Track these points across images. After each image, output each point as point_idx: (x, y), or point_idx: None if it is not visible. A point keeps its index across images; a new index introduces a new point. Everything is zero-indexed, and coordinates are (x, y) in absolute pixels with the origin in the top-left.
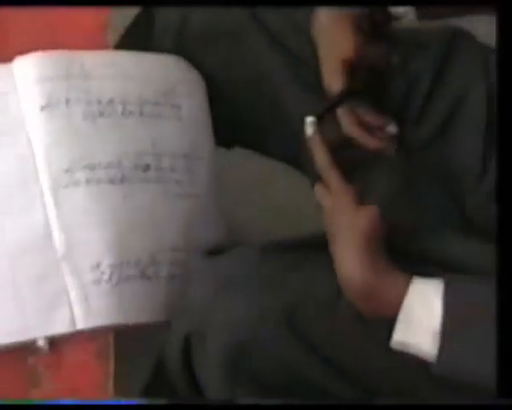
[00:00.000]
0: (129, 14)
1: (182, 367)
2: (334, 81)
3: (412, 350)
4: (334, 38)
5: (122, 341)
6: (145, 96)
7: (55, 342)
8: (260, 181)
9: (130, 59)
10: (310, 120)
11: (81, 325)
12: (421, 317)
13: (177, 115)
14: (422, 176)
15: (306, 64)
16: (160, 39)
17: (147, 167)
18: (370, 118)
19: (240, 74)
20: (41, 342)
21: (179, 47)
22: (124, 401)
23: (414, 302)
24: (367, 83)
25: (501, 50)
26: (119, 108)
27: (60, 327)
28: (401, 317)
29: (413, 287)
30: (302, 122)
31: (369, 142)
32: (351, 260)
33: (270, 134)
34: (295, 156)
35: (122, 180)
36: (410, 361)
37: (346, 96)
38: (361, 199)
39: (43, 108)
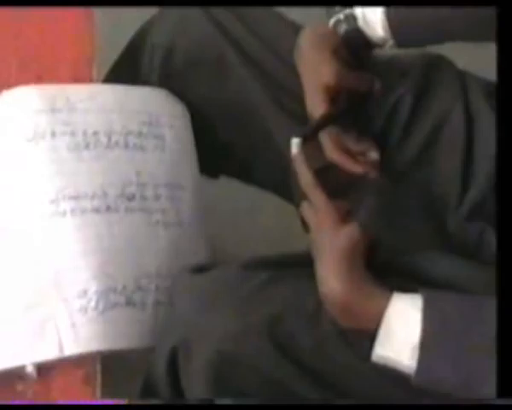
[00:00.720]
0: (114, 49)
1: (168, 380)
2: (316, 107)
3: (392, 363)
4: (314, 64)
5: (109, 367)
6: (129, 128)
7: (43, 368)
8: (247, 209)
9: (115, 92)
10: (295, 140)
11: (69, 351)
12: (400, 331)
13: (160, 146)
14: (405, 195)
15: (291, 93)
16: (147, 73)
17: (131, 197)
18: (352, 144)
19: (225, 104)
20: (29, 369)
21: (165, 80)
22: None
23: (393, 317)
24: (349, 107)
25: (501, 50)
26: (104, 140)
27: (48, 353)
28: (381, 331)
29: (392, 302)
30: (288, 150)
31: (352, 166)
32: (331, 275)
33: (255, 163)
34: (281, 185)
35: (107, 210)
36: (391, 374)
37: (330, 119)
38: (344, 217)
39: (29, 141)
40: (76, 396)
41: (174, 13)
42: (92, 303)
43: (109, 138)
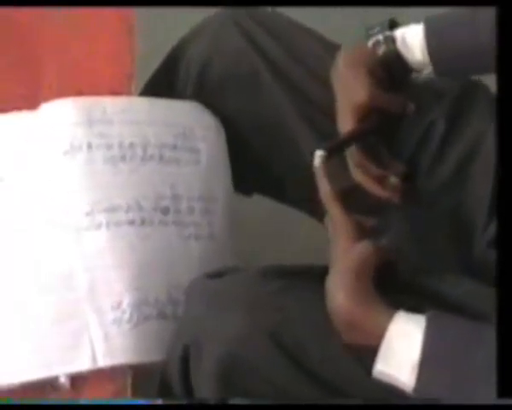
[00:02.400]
0: (154, 65)
1: (180, 378)
2: (346, 124)
3: (392, 380)
4: (349, 83)
5: (139, 382)
6: (164, 141)
7: (75, 381)
8: (278, 228)
9: (150, 104)
10: (319, 153)
11: (102, 362)
12: (401, 349)
13: (195, 159)
14: (432, 218)
15: (322, 110)
16: (182, 87)
17: (166, 210)
18: (377, 167)
19: (258, 120)
20: (62, 379)
21: (200, 94)
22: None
23: (395, 335)
24: (379, 127)
25: (501, 50)
26: (140, 153)
27: (81, 364)
28: (382, 348)
29: (395, 320)
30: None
31: (374, 189)
32: (337, 289)
33: (287, 182)
34: (310, 203)
35: (141, 222)
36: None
37: (357, 136)
38: (359, 233)
39: (65, 153)
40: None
41: (210, 29)
42: (126, 315)
43: (145, 151)
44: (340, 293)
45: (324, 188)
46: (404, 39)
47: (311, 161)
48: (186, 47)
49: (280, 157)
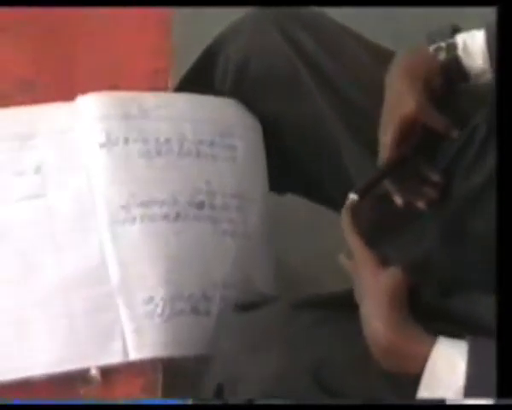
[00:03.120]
0: (191, 60)
1: None
2: (387, 134)
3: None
4: (401, 91)
5: (170, 377)
6: (201, 137)
7: (105, 375)
8: (310, 227)
9: (187, 100)
10: (352, 196)
11: (133, 356)
12: (444, 377)
13: (232, 156)
14: (457, 234)
15: (362, 114)
16: (219, 84)
17: (201, 205)
18: (412, 187)
19: (296, 121)
20: (94, 372)
21: (237, 92)
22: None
23: (438, 362)
24: (418, 148)
25: (501, 50)
26: (176, 148)
27: (113, 357)
28: (425, 375)
29: (437, 346)
30: (355, 173)
31: (412, 205)
32: (374, 317)
33: (323, 182)
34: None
35: (176, 217)
36: None
37: (391, 169)
38: (384, 262)
39: (102, 146)
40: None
41: (248, 26)
42: (158, 310)
43: (181, 146)
44: (376, 321)
45: (347, 226)
46: (465, 46)
47: (354, 171)
48: (224, 44)
49: (319, 158)
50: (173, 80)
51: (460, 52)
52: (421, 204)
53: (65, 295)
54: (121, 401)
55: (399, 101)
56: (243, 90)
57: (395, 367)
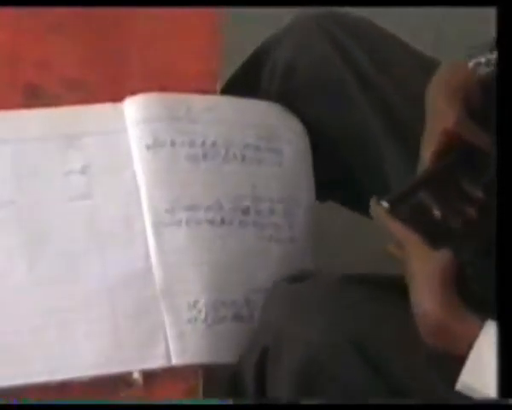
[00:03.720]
0: (238, 62)
1: (254, 379)
2: (429, 149)
3: (477, 395)
4: (442, 106)
5: (211, 381)
6: (247, 141)
7: (146, 378)
8: (351, 235)
9: (234, 104)
10: (383, 204)
11: (176, 361)
12: (490, 362)
13: (277, 161)
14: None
15: (407, 125)
16: (266, 88)
17: (246, 210)
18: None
19: (340, 129)
20: (136, 375)
21: (283, 97)
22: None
23: (485, 346)
24: (459, 163)
25: (501, 50)
26: (222, 152)
27: (155, 362)
28: (470, 358)
29: (486, 330)
30: (394, 184)
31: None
32: (425, 297)
33: (364, 191)
34: None
35: (221, 222)
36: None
37: (427, 181)
38: (432, 245)
39: (149, 148)
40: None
41: (297, 31)
42: (202, 315)
43: (227, 151)
44: (427, 298)
45: (384, 218)
46: None
47: (393, 181)
48: (271, 49)
49: (362, 167)
50: (222, 83)
51: None
52: (456, 222)
53: (109, 298)
54: (159, 402)
55: (440, 116)
56: (289, 95)
57: (442, 348)
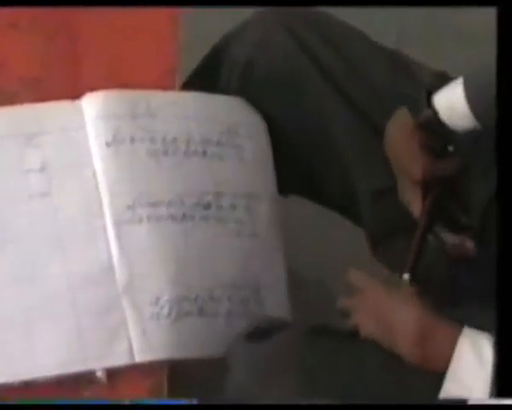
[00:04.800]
0: (199, 59)
1: None
2: (411, 203)
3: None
4: (404, 159)
5: (176, 379)
6: (208, 136)
7: (110, 377)
8: (314, 229)
9: (194, 99)
10: (405, 277)
11: (139, 358)
12: (472, 366)
13: (238, 155)
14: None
15: (369, 117)
16: (225, 85)
17: (208, 206)
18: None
19: (300, 121)
20: (99, 373)
21: (244, 90)
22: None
23: (465, 350)
24: (443, 203)
25: (501, 50)
26: (183, 147)
27: (118, 359)
28: (452, 364)
29: (464, 334)
30: (356, 174)
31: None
32: (406, 303)
33: (325, 183)
34: (347, 207)
35: (183, 218)
36: None
37: (426, 229)
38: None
39: (108, 145)
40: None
41: (255, 25)
42: (165, 311)
43: (188, 146)
44: (412, 303)
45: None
46: (446, 109)
47: (355, 171)
48: (230, 43)
49: (320, 161)
50: (181, 79)
51: (442, 117)
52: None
53: (71, 296)
54: (126, 402)
55: (406, 169)
56: (249, 88)
57: (423, 354)
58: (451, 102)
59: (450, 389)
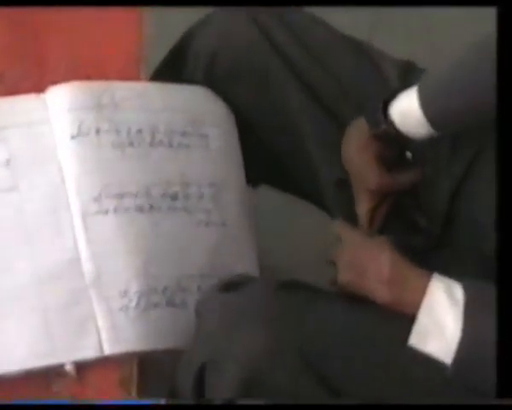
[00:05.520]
0: (163, 50)
1: (195, 395)
2: (363, 208)
3: (430, 347)
4: (360, 169)
5: (145, 370)
6: (173, 127)
7: (79, 370)
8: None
9: (159, 90)
10: None
11: (108, 350)
12: (444, 302)
13: (204, 145)
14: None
15: (332, 106)
16: (190, 76)
17: (175, 196)
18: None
19: (265, 112)
20: (68, 367)
21: (208, 84)
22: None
23: (437, 289)
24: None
25: (501, 50)
26: (148, 138)
27: (87, 352)
28: (425, 303)
29: (435, 278)
30: (321, 163)
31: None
32: (383, 249)
33: (292, 173)
34: (314, 195)
35: (150, 209)
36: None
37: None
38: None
39: (73, 137)
40: (111, 399)
41: (220, 17)
42: (133, 303)
43: (153, 137)
44: (386, 250)
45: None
46: (402, 118)
47: (319, 160)
48: (195, 35)
49: (286, 150)
50: (146, 71)
51: (399, 125)
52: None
53: (38, 290)
54: (95, 402)
55: (362, 179)
56: (214, 79)
57: (395, 299)
58: (406, 111)
59: (424, 323)
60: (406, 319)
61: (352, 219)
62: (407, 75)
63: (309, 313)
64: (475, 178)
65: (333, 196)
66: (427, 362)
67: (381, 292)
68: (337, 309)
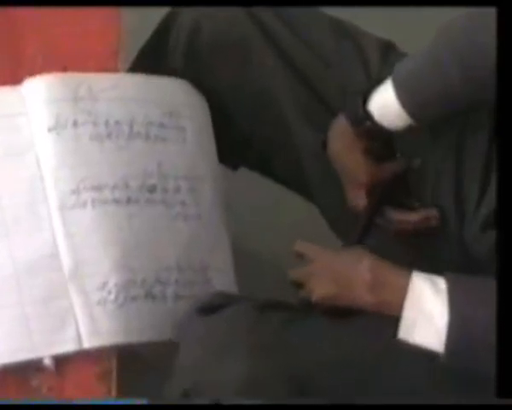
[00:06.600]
0: (140, 42)
1: None
2: (355, 200)
3: (419, 337)
4: (348, 165)
5: (124, 364)
6: (151, 118)
7: (58, 364)
8: (264, 202)
9: (137, 82)
10: None
11: (87, 344)
12: (428, 291)
13: (181, 137)
14: None
15: (314, 86)
16: (172, 55)
17: (153, 188)
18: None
19: (246, 92)
20: (47, 361)
21: (189, 62)
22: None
23: (419, 282)
24: (391, 192)
25: (501, 50)
26: (126, 130)
27: (66, 346)
28: (409, 295)
29: (415, 274)
30: (304, 146)
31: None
32: (363, 254)
33: (273, 156)
34: (296, 180)
35: (128, 201)
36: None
37: (374, 213)
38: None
39: (50, 130)
40: (91, 393)
41: None
42: (112, 296)
43: (131, 129)
44: (364, 257)
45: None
46: (381, 112)
47: (302, 142)
48: (177, 14)
49: (267, 132)
50: (123, 62)
51: (377, 119)
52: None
53: (16, 284)
54: (75, 402)
55: (351, 174)
56: (193, 60)
57: (378, 297)
58: (384, 104)
59: (411, 316)
60: (391, 327)
61: (336, 204)
62: (388, 56)
63: (292, 335)
64: (459, 161)
65: (315, 168)
66: (417, 366)
67: (366, 298)
68: (319, 326)
